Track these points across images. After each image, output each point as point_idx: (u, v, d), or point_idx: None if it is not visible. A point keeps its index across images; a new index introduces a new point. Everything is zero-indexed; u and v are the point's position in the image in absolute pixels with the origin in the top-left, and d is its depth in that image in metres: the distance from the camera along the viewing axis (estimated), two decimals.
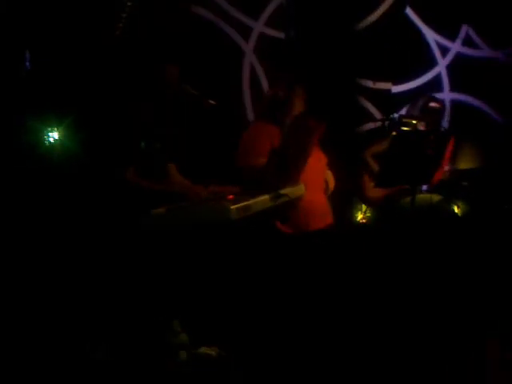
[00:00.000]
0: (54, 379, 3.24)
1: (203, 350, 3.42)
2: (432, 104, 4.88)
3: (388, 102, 6.00)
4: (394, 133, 4.15)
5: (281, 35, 5.80)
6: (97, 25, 4.43)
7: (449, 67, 6.47)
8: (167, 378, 3.25)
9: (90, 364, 3.26)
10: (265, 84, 5.68)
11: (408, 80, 6.26)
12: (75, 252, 3.86)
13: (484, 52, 6.53)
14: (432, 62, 6.44)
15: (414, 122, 4.12)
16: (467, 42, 6.51)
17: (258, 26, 5.74)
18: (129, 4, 4.53)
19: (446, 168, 4.81)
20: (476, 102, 6.45)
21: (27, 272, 3.78)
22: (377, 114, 6.06)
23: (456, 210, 4.67)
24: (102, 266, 3.58)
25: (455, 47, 6.51)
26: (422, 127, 4.07)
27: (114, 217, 3.47)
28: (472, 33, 6.52)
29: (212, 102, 3.69)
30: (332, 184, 4.30)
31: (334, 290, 3.94)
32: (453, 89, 6.38)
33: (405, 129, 4.01)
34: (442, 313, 4.05)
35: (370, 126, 5.96)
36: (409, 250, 4.20)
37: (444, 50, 6.48)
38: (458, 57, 6.49)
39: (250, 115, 5.59)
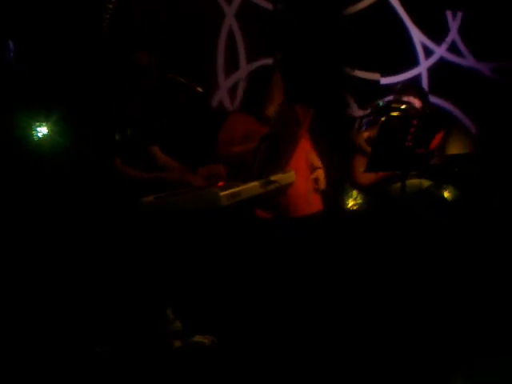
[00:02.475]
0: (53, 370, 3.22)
1: (197, 338, 3.49)
2: (404, 97, 4.72)
3: (367, 93, 5.87)
4: (382, 118, 4.03)
5: (267, 5, 5.67)
6: (83, 17, 4.46)
7: (430, 70, 6.42)
8: (161, 366, 3.25)
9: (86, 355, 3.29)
10: (241, 49, 5.58)
11: (388, 74, 6.15)
12: (68, 245, 3.88)
13: (468, 61, 6.51)
14: (414, 62, 6.36)
15: (403, 107, 4.07)
16: (453, 48, 6.48)
17: None
18: None
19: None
20: (452, 109, 6.39)
21: (24, 265, 3.77)
22: (353, 104, 5.98)
23: (446, 195, 4.64)
24: (95, 256, 3.59)
25: (440, 51, 6.46)
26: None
27: (105, 207, 3.44)
28: (459, 40, 6.48)
29: (199, 89, 3.62)
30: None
31: (320, 278, 3.91)
32: (431, 92, 6.27)
33: (394, 114, 3.93)
34: (435, 301, 4.01)
35: (359, 112, 5.83)
36: (399, 235, 4.16)
37: (429, 52, 6.43)
38: (441, 61, 6.45)
39: (221, 79, 5.52)
